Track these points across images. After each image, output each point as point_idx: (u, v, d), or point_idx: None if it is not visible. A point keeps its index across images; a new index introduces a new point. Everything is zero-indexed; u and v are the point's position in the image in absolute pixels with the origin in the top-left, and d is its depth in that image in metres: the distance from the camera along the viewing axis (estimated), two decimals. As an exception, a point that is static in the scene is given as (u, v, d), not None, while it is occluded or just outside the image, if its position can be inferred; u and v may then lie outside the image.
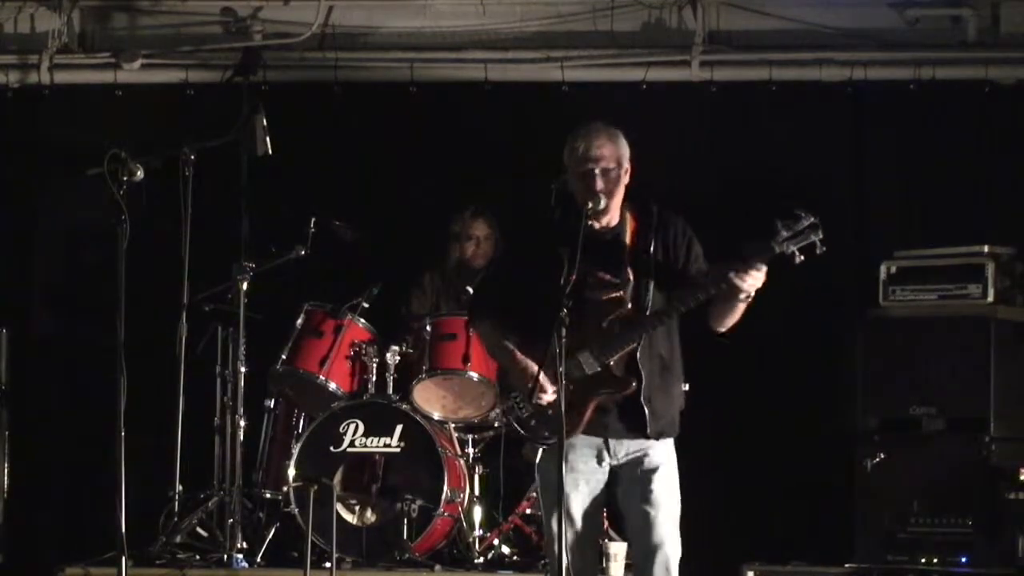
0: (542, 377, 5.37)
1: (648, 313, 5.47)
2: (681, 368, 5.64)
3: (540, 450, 5.58)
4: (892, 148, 8.41)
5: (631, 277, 5.50)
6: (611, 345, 5.46)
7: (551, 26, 8.61)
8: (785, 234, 5.38)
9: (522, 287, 5.53)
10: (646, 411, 5.47)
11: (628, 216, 5.59)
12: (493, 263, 7.73)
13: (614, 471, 5.55)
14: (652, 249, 5.54)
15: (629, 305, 5.48)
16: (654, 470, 5.51)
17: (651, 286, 5.50)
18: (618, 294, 5.48)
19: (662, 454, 5.54)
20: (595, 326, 5.47)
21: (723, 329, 5.55)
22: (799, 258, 5.38)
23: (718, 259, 5.58)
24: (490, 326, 5.69)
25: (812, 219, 5.40)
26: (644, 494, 5.50)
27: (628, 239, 5.56)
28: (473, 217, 8.04)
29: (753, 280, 5.34)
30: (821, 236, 5.38)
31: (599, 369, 5.47)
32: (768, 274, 5.42)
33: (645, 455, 5.52)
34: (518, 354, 5.53)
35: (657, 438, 5.52)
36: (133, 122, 8.49)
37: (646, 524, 5.49)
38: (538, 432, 5.51)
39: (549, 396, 5.39)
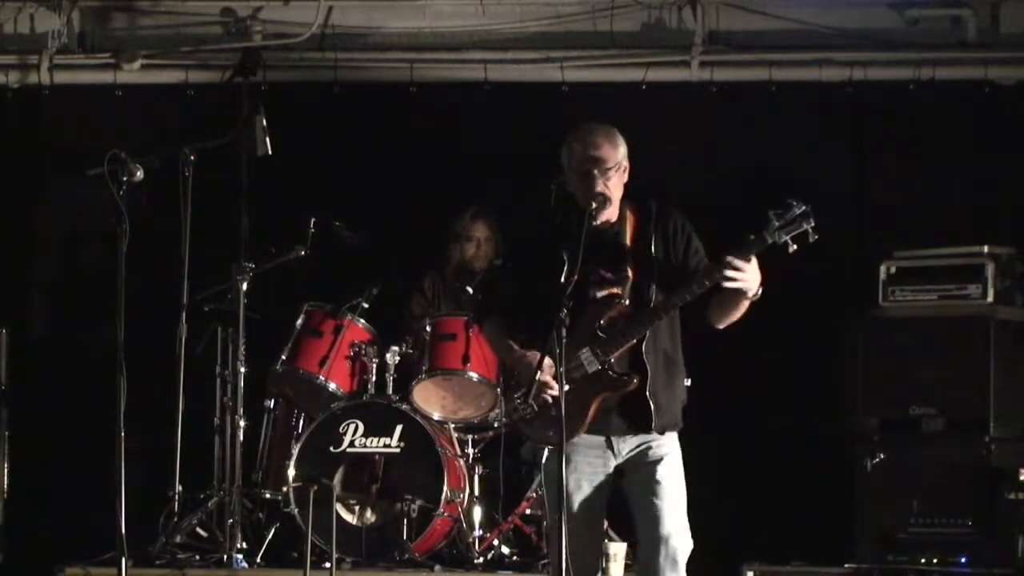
0: (546, 372, 5.37)
1: (648, 308, 5.47)
2: (683, 362, 5.64)
3: (545, 450, 5.57)
4: (892, 148, 8.41)
5: (631, 274, 5.50)
6: (611, 342, 5.46)
7: (551, 26, 8.61)
8: (777, 224, 5.36)
9: (525, 288, 5.53)
10: (651, 405, 5.46)
11: (628, 213, 5.59)
12: (496, 265, 7.76)
13: (619, 468, 5.54)
14: (652, 245, 5.53)
15: (627, 301, 5.48)
16: (659, 460, 5.49)
17: (652, 282, 5.50)
18: (615, 290, 5.48)
19: (667, 445, 5.53)
20: (594, 324, 5.47)
21: (722, 326, 5.54)
22: (792, 247, 5.36)
23: (718, 259, 5.58)
24: (494, 324, 5.69)
25: (804, 207, 5.38)
26: (650, 485, 5.48)
27: (628, 236, 5.56)
28: (473, 218, 8.04)
29: (741, 275, 5.32)
30: (813, 224, 5.36)
31: (600, 367, 5.47)
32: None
33: (649, 447, 5.51)
34: (517, 349, 5.53)
35: (662, 432, 5.52)
36: (133, 122, 8.50)
37: (653, 516, 5.47)
38: (541, 432, 5.51)
39: (553, 392, 5.38)
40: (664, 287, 5.48)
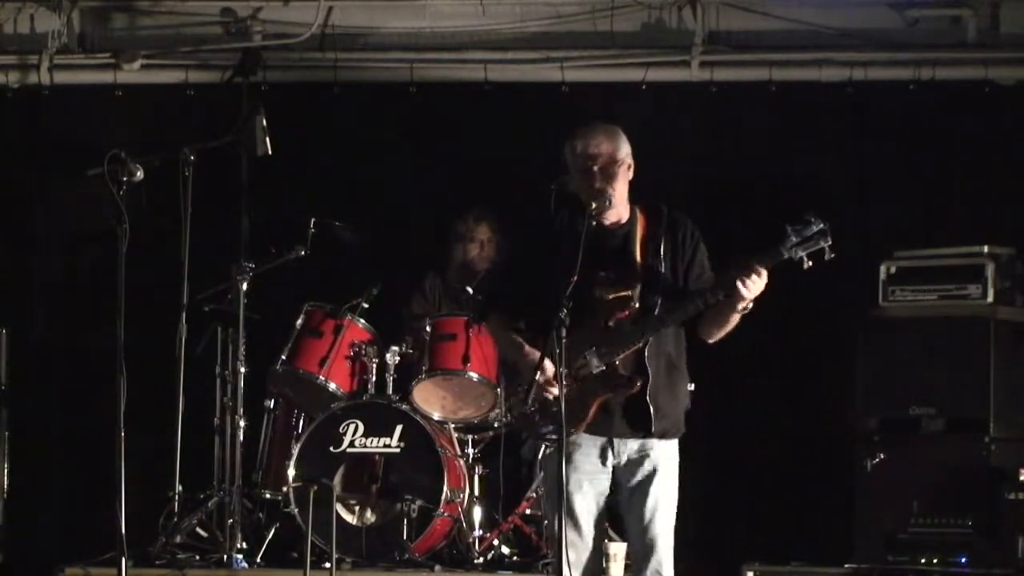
0: (549, 370, 5.37)
1: (656, 313, 5.47)
2: (686, 367, 5.64)
3: (543, 449, 5.57)
4: (892, 148, 8.41)
5: (639, 276, 5.51)
6: (617, 344, 5.46)
7: (551, 26, 8.61)
8: (794, 239, 5.39)
9: (529, 287, 5.53)
10: (651, 409, 5.47)
11: (639, 215, 5.60)
12: (500, 263, 7.76)
13: (616, 471, 5.55)
14: (661, 249, 5.55)
15: (636, 304, 5.48)
16: (654, 472, 5.52)
17: (659, 286, 5.50)
18: (625, 293, 5.49)
19: (664, 455, 5.55)
20: (601, 325, 5.47)
21: (712, 340, 5.55)
22: (807, 264, 5.38)
23: (720, 260, 5.59)
24: (498, 322, 5.70)
25: (821, 224, 5.42)
26: (642, 496, 5.51)
27: (638, 238, 5.57)
28: (477, 220, 8.02)
29: (755, 285, 5.34)
30: (830, 242, 5.39)
31: (604, 368, 5.47)
32: (769, 275, 5.43)
33: (647, 456, 5.53)
34: (527, 347, 5.53)
35: (661, 437, 5.52)
36: (133, 122, 8.50)
37: (642, 526, 5.51)
38: (541, 428, 5.50)
39: (553, 391, 5.38)
40: (670, 292, 5.49)
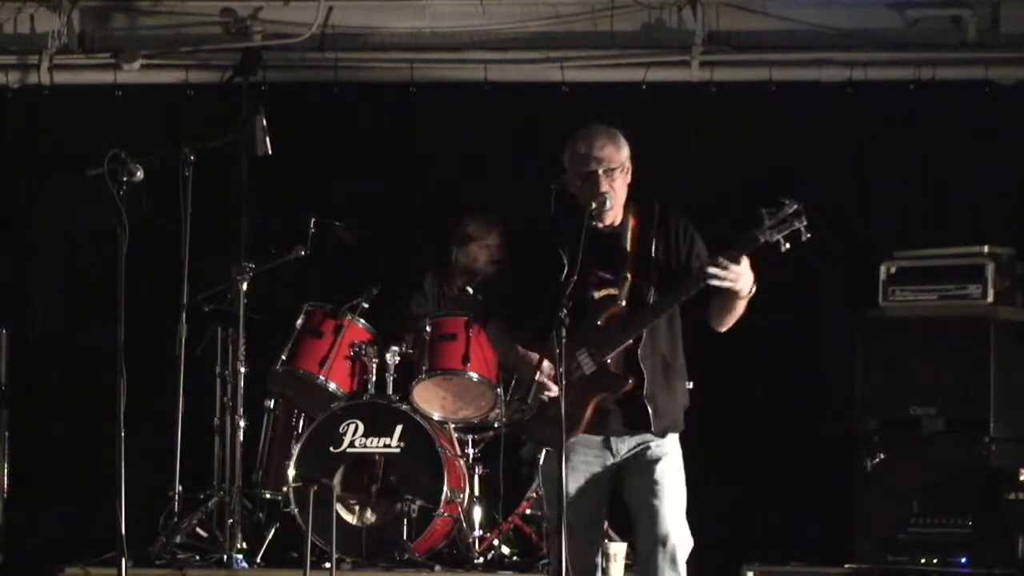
0: (546, 373, 5.37)
1: (641, 310, 5.47)
2: (684, 366, 5.63)
3: (544, 451, 5.58)
4: (892, 148, 8.42)
5: (629, 276, 5.50)
6: (607, 343, 5.46)
7: (551, 26, 8.61)
8: (769, 222, 5.35)
9: (527, 288, 5.53)
10: (649, 409, 5.47)
11: (631, 215, 5.60)
12: (500, 263, 7.76)
13: (618, 467, 5.54)
14: (653, 248, 5.54)
15: (623, 303, 5.48)
16: (658, 460, 5.50)
17: (651, 284, 5.50)
18: (611, 291, 5.49)
19: (666, 446, 5.54)
20: (592, 325, 5.47)
21: (723, 329, 5.53)
22: (785, 246, 5.35)
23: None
24: (497, 326, 5.70)
25: (796, 206, 5.36)
26: (649, 486, 5.49)
27: (630, 238, 5.56)
28: (489, 225, 8.00)
29: (731, 275, 5.31)
30: (806, 223, 5.34)
31: (596, 368, 5.47)
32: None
33: (648, 447, 5.52)
34: (522, 351, 5.53)
35: (662, 435, 5.52)
36: (133, 122, 8.50)
37: (652, 516, 5.47)
38: (541, 433, 5.50)
39: (552, 393, 5.39)
40: (663, 289, 5.48)
